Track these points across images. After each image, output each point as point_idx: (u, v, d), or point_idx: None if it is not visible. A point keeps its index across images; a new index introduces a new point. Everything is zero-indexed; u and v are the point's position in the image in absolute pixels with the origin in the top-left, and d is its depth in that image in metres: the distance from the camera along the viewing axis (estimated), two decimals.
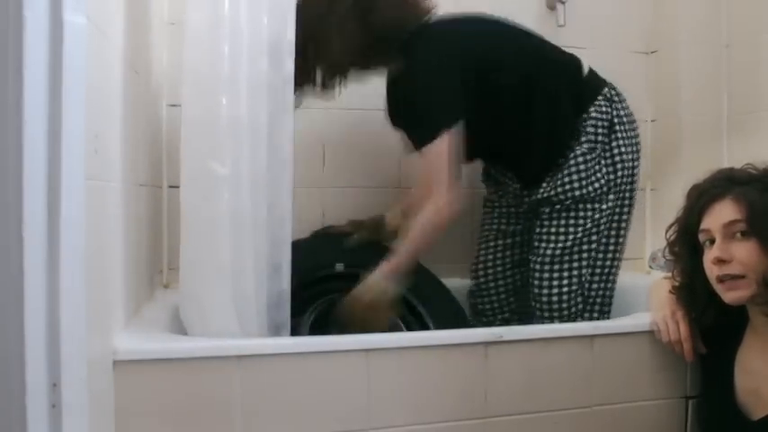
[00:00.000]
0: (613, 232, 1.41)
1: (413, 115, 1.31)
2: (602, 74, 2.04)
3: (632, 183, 1.44)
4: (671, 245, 1.19)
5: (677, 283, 1.20)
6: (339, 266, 1.54)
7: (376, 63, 1.34)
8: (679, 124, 1.93)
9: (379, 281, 1.31)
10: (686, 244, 1.15)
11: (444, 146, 1.29)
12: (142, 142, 1.32)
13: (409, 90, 1.32)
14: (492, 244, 1.58)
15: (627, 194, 1.42)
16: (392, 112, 1.44)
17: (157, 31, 1.55)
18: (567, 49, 1.99)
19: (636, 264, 2.03)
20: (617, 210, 1.41)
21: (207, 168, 1.17)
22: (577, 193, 1.37)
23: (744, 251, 1.04)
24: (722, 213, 1.07)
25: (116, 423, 0.97)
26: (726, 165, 1.17)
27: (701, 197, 1.11)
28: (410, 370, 1.10)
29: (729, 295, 1.06)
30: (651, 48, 2.04)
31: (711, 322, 1.15)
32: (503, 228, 1.57)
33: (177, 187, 1.22)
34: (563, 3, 1.89)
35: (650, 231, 2.04)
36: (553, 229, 1.37)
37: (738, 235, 1.05)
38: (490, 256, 1.58)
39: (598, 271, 1.40)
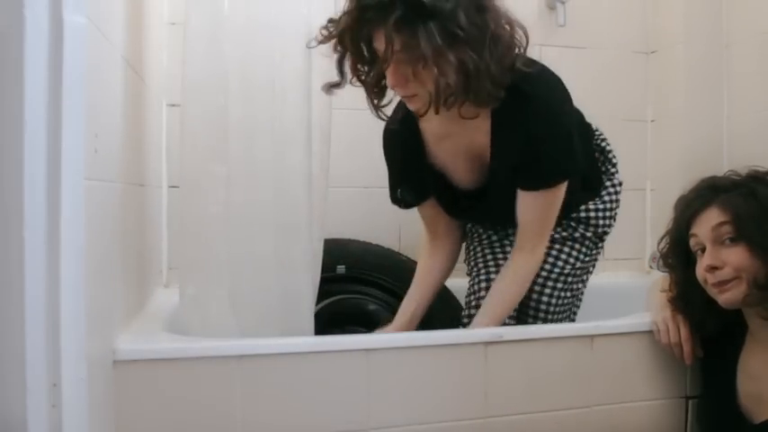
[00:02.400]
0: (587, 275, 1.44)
1: (541, 153, 1.18)
2: (603, 74, 2.06)
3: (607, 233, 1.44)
4: (664, 257, 1.20)
5: (674, 294, 1.20)
6: (341, 269, 1.54)
7: (487, 96, 1.12)
8: (679, 124, 1.93)
9: None
10: (679, 255, 1.16)
11: (561, 192, 1.23)
12: (142, 142, 1.32)
13: (542, 128, 1.17)
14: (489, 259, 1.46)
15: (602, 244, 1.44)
16: (500, 149, 1.25)
17: (157, 31, 1.55)
18: (566, 50, 2.00)
19: (636, 264, 2.03)
20: (596, 255, 1.43)
21: (207, 168, 1.17)
22: (592, 228, 1.38)
23: (734, 256, 1.05)
24: (709, 219, 1.09)
25: (116, 423, 0.97)
26: (726, 166, 1.17)
27: (688, 208, 1.13)
28: (410, 370, 1.10)
29: (723, 297, 1.07)
30: (651, 48, 2.04)
31: (712, 331, 1.15)
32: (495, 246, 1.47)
33: (177, 187, 1.22)
34: (563, 3, 1.89)
35: (650, 231, 2.04)
36: (563, 255, 1.37)
37: (727, 241, 1.06)
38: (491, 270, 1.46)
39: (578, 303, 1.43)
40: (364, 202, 1.82)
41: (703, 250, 1.10)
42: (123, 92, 1.09)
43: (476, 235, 1.49)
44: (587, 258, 1.39)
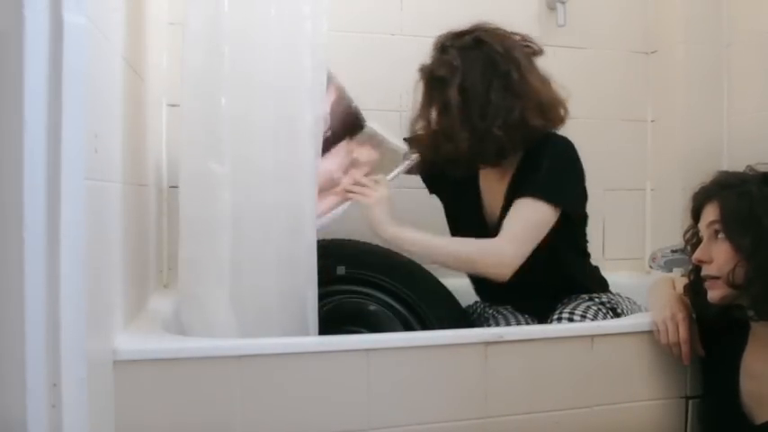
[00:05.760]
0: None
1: (543, 168, 1.29)
2: (602, 74, 2.05)
3: None
4: (687, 245, 1.22)
5: (687, 282, 1.23)
6: (341, 270, 1.54)
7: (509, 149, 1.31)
8: (679, 124, 1.93)
9: (384, 226, 1.31)
10: (694, 245, 1.18)
11: (548, 216, 1.27)
12: (142, 142, 1.32)
13: (555, 158, 1.30)
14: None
15: None
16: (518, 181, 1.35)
17: (157, 31, 1.55)
18: (566, 50, 2.00)
19: (636, 264, 2.03)
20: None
21: (206, 168, 1.17)
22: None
23: (719, 252, 1.08)
24: (708, 214, 1.12)
25: (116, 423, 0.97)
26: (726, 166, 1.18)
27: (696, 200, 1.16)
28: (410, 370, 1.10)
29: (709, 294, 1.11)
30: (651, 48, 2.04)
31: (715, 318, 1.16)
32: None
33: (177, 187, 1.22)
34: (563, 3, 1.89)
35: (650, 231, 2.04)
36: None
37: (720, 236, 1.09)
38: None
39: None
40: None
41: None
42: (123, 92, 1.09)
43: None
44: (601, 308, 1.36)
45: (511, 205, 1.30)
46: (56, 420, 0.71)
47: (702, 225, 1.13)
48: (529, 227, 1.26)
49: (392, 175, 1.42)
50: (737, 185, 1.10)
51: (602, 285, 1.48)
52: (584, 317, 1.30)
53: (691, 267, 1.20)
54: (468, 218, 1.46)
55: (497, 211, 1.36)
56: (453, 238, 1.33)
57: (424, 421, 1.10)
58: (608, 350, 1.20)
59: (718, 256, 1.08)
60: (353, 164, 1.38)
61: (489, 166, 1.37)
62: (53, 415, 0.71)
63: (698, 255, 1.12)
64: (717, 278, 1.09)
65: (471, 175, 1.45)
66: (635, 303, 1.46)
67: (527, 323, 1.41)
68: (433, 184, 1.56)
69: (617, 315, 1.36)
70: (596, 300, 1.38)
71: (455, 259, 1.29)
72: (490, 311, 1.50)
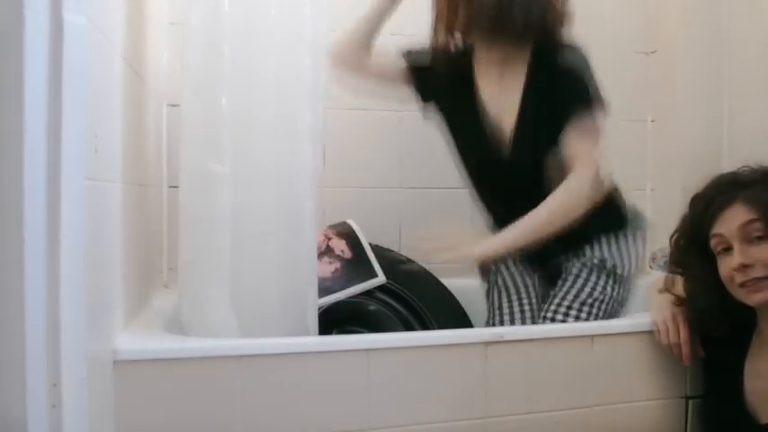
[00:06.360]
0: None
1: (585, 84, 1.32)
2: (602, 74, 2.05)
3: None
4: (676, 255, 1.19)
5: (687, 295, 1.18)
6: None
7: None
8: (679, 124, 1.93)
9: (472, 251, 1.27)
10: (696, 254, 1.14)
11: (601, 123, 1.27)
12: (142, 142, 1.32)
13: (581, 62, 1.37)
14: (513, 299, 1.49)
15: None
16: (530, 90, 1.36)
17: (157, 31, 1.55)
18: None
19: None
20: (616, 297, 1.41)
21: (206, 168, 1.17)
22: (609, 265, 1.38)
23: (765, 253, 1.03)
24: (736, 217, 1.06)
25: (116, 423, 0.97)
26: (726, 166, 1.17)
27: (710, 205, 1.10)
28: (410, 370, 1.10)
29: (755, 298, 1.05)
30: (651, 48, 2.04)
31: (724, 331, 1.14)
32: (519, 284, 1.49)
33: (177, 187, 1.22)
34: None
35: (650, 231, 2.04)
36: (579, 283, 1.37)
37: (756, 237, 1.04)
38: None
39: None
40: (364, 202, 1.82)
41: (726, 249, 1.07)
42: (123, 92, 1.09)
43: (500, 283, 1.50)
44: (604, 292, 1.37)
45: (531, 111, 1.30)
46: (56, 420, 0.71)
47: (729, 229, 1.06)
48: (592, 142, 1.27)
49: (351, 291, 1.43)
50: (754, 183, 1.07)
51: (618, 220, 1.44)
52: (578, 317, 1.31)
53: (690, 278, 1.17)
54: (471, 129, 1.42)
55: (512, 119, 1.34)
56: (534, 211, 1.26)
57: (424, 421, 1.10)
58: (608, 350, 1.20)
59: (764, 257, 1.03)
60: (327, 251, 1.39)
61: (506, 42, 1.35)
62: (53, 415, 0.71)
63: (741, 259, 1.04)
64: (764, 278, 1.03)
65: (468, 87, 1.42)
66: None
67: (534, 289, 1.41)
68: (426, 93, 1.51)
69: (617, 282, 1.36)
70: (596, 273, 1.36)
71: (553, 220, 1.25)
72: (496, 276, 1.48)
